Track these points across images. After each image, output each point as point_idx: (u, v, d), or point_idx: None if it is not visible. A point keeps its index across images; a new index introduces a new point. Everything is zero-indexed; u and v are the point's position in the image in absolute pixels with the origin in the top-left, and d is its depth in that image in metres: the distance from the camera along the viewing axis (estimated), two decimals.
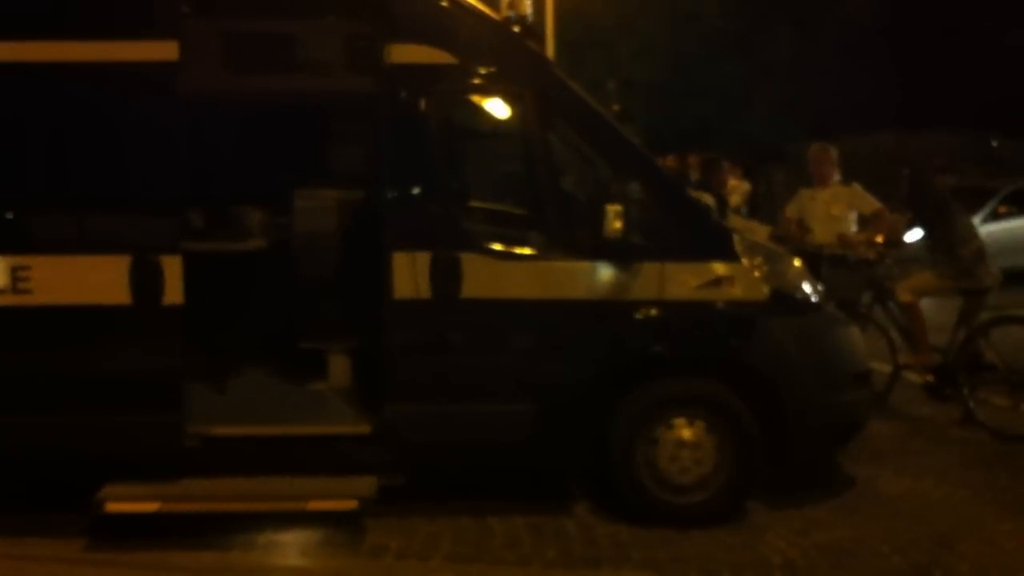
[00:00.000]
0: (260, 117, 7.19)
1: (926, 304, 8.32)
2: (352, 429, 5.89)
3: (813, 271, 6.75)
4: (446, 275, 5.58)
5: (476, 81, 5.82)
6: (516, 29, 6.04)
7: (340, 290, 6.82)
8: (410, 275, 5.58)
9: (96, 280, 5.51)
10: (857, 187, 8.69)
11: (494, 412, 5.68)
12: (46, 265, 5.51)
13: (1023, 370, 7.67)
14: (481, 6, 6.01)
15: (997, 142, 24.76)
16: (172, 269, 5.53)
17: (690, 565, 5.27)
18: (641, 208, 5.54)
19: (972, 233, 8.30)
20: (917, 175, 8.23)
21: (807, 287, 6.13)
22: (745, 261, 5.82)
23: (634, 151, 6.03)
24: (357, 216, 6.84)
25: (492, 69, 5.79)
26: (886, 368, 8.26)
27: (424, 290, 5.59)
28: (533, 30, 6.51)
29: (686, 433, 5.75)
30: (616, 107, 19.90)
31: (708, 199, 8.25)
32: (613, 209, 5.46)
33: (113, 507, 5.41)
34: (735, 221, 9.55)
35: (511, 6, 6.16)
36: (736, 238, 5.97)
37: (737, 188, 14.61)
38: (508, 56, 5.89)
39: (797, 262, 6.29)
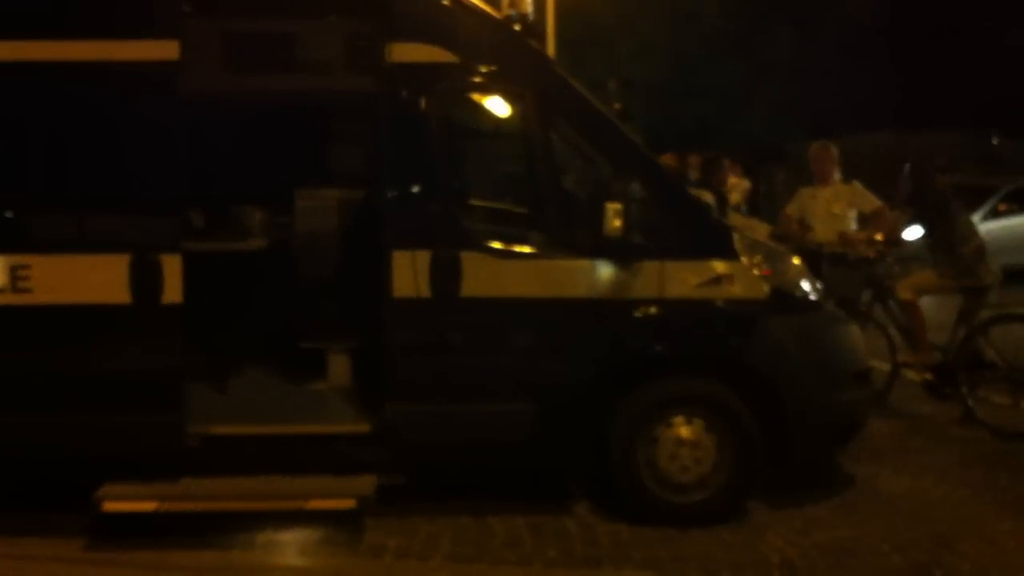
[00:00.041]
0: (260, 116, 7.20)
1: (926, 302, 8.32)
2: (352, 429, 5.90)
3: (813, 269, 6.75)
4: (446, 274, 5.58)
5: (477, 80, 5.82)
6: (517, 28, 6.04)
7: (340, 290, 6.82)
8: (410, 274, 5.58)
9: (96, 279, 5.51)
10: (858, 185, 8.70)
11: (494, 411, 5.68)
12: (46, 264, 5.51)
13: (1023, 368, 7.67)
14: (482, 5, 6.01)
15: (997, 140, 24.75)
16: (172, 268, 5.53)
17: (690, 564, 5.27)
18: (641, 207, 5.54)
19: (972, 231, 8.30)
20: (918, 173, 8.23)
21: (807, 285, 6.13)
22: (745, 259, 5.82)
23: (635, 150, 6.03)
24: (357, 216, 6.85)
25: (493, 68, 5.79)
26: (886, 367, 8.26)
27: (424, 289, 5.59)
28: (534, 29, 6.50)
29: (686, 432, 5.74)
30: (617, 106, 19.90)
31: (708, 197, 8.25)
32: (613, 208, 5.46)
33: (111, 506, 5.41)
34: (735, 219, 9.54)
35: (512, 5, 6.16)
36: (736, 236, 5.97)
37: (737, 186, 14.60)
38: (509, 55, 5.89)
39: (797, 260, 6.29)
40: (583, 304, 5.67)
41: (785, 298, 5.93)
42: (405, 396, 5.66)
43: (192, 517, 5.47)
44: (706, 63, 27.29)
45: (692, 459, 5.74)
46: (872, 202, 8.54)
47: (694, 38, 27.24)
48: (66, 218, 5.57)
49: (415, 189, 5.74)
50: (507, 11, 6.17)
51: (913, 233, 8.65)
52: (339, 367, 6.68)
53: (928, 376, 8.15)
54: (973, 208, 13.55)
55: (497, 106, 6.03)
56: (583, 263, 5.69)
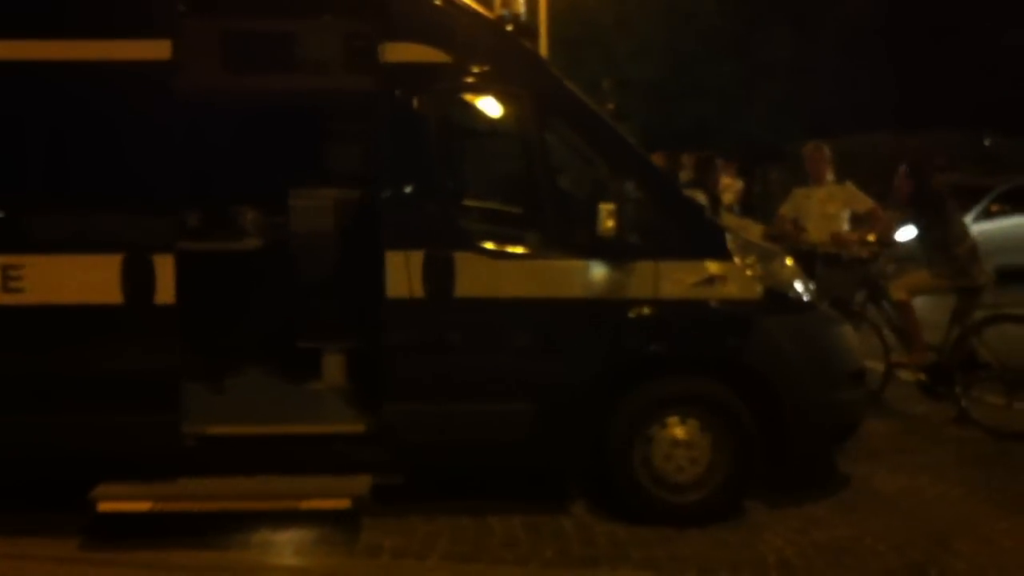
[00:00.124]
0: (257, 116, 7.19)
1: (920, 302, 8.33)
2: (349, 428, 5.89)
3: (807, 270, 6.77)
4: (440, 274, 5.59)
5: (472, 80, 5.84)
6: (510, 28, 6.05)
7: (337, 290, 6.82)
8: (404, 274, 5.59)
9: (91, 279, 5.50)
10: (851, 186, 8.72)
11: (491, 412, 5.69)
12: (39, 264, 5.51)
13: (1017, 368, 7.68)
14: (475, 5, 6.01)
15: (990, 141, 24.75)
16: (166, 268, 5.53)
17: (688, 564, 5.28)
18: (636, 207, 5.54)
19: (966, 232, 8.32)
20: (918, 173, 8.23)
21: (800, 286, 6.15)
22: (738, 260, 5.84)
23: (629, 150, 6.04)
24: (354, 215, 6.85)
25: (488, 68, 5.81)
26: (880, 367, 8.27)
27: (418, 289, 5.59)
28: (527, 29, 6.51)
29: (683, 432, 5.75)
30: (611, 106, 19.92)
31: (701, 197, 8.26)
32: (607, 208, 5.47)
33: (106, 506, 5.42)
34: (728, 219, 9.56)
35: (505, 5, 6.17)
36: (729, 237, 5.98)
37: (730, 186, 14.63)
38: (503, 55, 5.90)
39: (790, 261, 6.30)
40: (578, 304, 5.68)
41: (779, 298, 5.95)
42: (402, 396, 5.67)
43: (190, 517, 5.48)
44: (704, 62, 27.28)
45: (689, 459, 5.75)
46: (866, 202, 8.55)
47: (691, 37, 27.23)
48: (60, 218, 5.57)
49: (410, 189, 5.74)
50: (500, 11, 6.18)
51: (906, 233, 8.66)
52: (336, 367, 6.69)
53: (922, 376, 8.16)
54: (966, 208, 13.58)
55: (492, 106, 6.05)
56: (578, 263, 5.69)
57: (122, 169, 5.63)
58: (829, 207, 8.53)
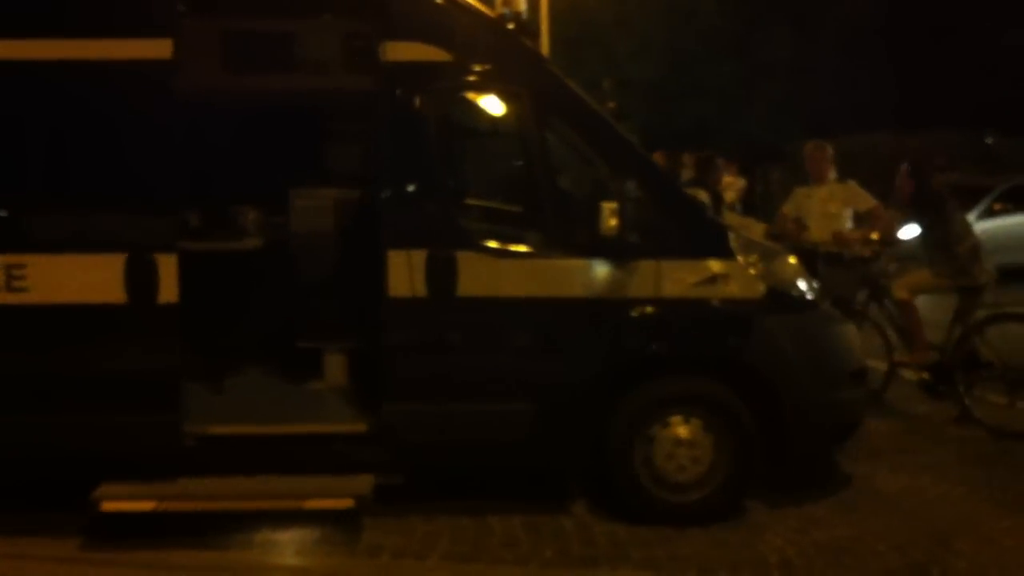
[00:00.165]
0: (257, 116, 7.18)
1: (922, 301, 8.33)
2: (350, 428, 5.89)
3: (809, 269, 6.76)
4: (442, 273, 5.58)
5: (473, 79, 5.83)
6: (511, 27, 6.04)
7: (338, 289, 6.81)
8: (406, 274, 5.58)
9: (93, 279, 5.50)
10: (853, 184, 8.71)
11: (491, 411, 5.68)
12: (42, 264, 5.50)
13: (1019, 367, 7.67)
14: (476, 4, 6.01)
15: (992, 140, 24.77)
16: (168, 268, 5.52)
17: (688, 564, 5.27)
18: (637, 206, 5.53)
19: (967, 230, 8.31)
20: (919, 172, 8.23)
21: (803, 285, 6.14)
22: (741, 259, 5.83)
23: (630, 149, 6.04)
24: (355, 215, 6.84)
25: (488, 67, 5.80)
26: (882, 366, 8.26)
27: (420, 289, 5.59)
28: (528, 28, 6.51)
29: (683, 431, 5.75)
30: (612, 105, 19.91)
31: (703, 196, 8.25)
32: (609, 207, 5.46)
33: (109, 506, 5.41)
34: (730, 218, 9.57)
35: (506, 3, 6.17)
36: (732, 235, 5.98)
37: (732, 185, 14.62)
38: (504, 54, 5.90)
39: (793, 260, 6.30)
40: (579, 304, 5.67)
41: (781, 297, 5.94)
42: (402, 396, 5.66)
43: (190, 517, 5.47)
44: (704, 62, 27.28)
45: (689, 458, 5.75)
46: (868, 201, 8.54)
47: (692, 37, 27.24)
48: (62, 217, 5.56)
49: (411, 188, 5.74)
50: (501, 10, 6.17)
51: (909, 232, 8.66)
52: (336, 367, 6.68)
53: (924, 375, 8.15)
54: (968, 207, 13.57)
55: (493, 105, 6.04)
56: (579, 263, 5.69)
57: (124, 169, 5.62)
58: (831, 206, 8.52)
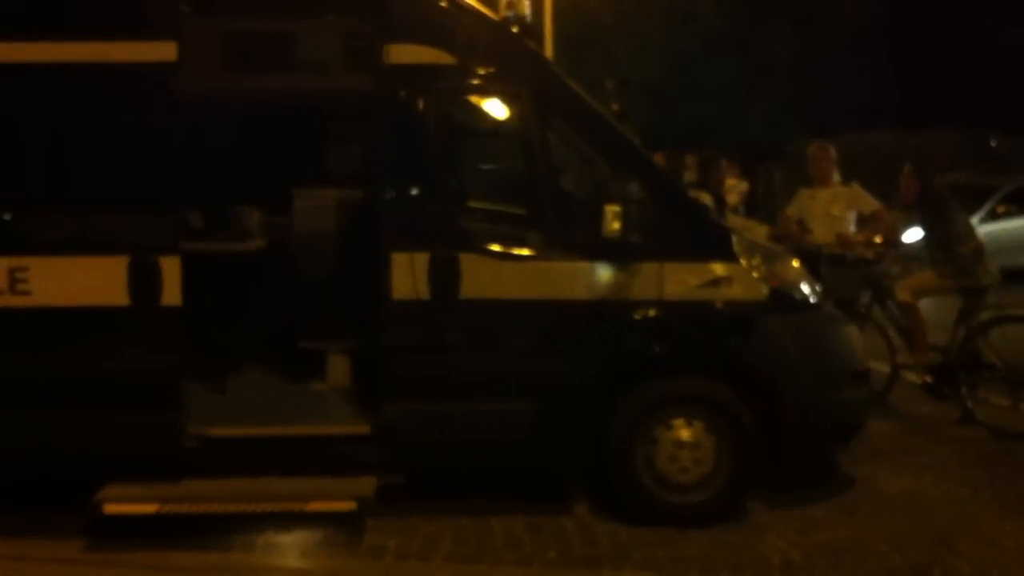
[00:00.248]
0: (259, 117, 7.18)
1: (925, 303, 8.32)
2: (351, 429, 5.88)
3: (812, 270, 6.75)
4: (445, 275, 5.57)
5: (474, 81, 5.82)
6: (515, 29, 6.04)
7: (339, 290, 6.80)
8: (408, 275, 5.58)
9: (96, 281, 5.50)
10: (857, 187, 8.70)
11: (493, 412, 5.67)
12: (44, 266, 5.50)
13: (1022, 368, 7.67)
14: (479, 6, 6.01)
15: (996, 141, 24.77)
16: (170, 269, 5.52)
17: (690, 565, 5.27)
18: (640, 208, 5.52)
19: (971, 232, 8.31)
20: (922, 172, 8.22)
21: (805, 286, 6.13)
22: (744, 261, 5.82)
23: (633, 150, 6.03)
24: (356, 216, 6.84)
25: (490, 69, 5.79)
26: (885, 368, 8.26)
27: (423, 290, 5.58)
28: (531, 30, 6.51)
29: (685, 433, 5.74)
30: (615, 106, 19.91)
31: (706, 198, 8.25)
32: (612, 209, 5.45)
33: (112, 508, 5.41)
34: (733, 220, 9.55)
35: (510, 6, 6.16)
36: (735, 238, 5.97)
37: (735, 187, 14.62)
38: (506, 56, 5.89)
39: (795, 261, 6.30)
40: (582, 306, 5.66)
41: (784, 299, 5.93)
42: (404, 397, 5.65)
43: (192, 518, 5.47)
44: (704, 62, 27.31)
45: (691, 459, 5.74)
46: (871, 203, 8.54)
47: (692, 37, 27.25)
48: (64, 219, 5.56)
49: (413, 190, 5.73)
50: (505, 12, 6.17)
51: (913, 234, 8.65)
52: (338, 368, 6.67)
53: (927, 377, 8.15)
54: (972, 208, 13.56)
55: (495, 107, 6.03)
56: (582, 264, 5.68)
57: (127, 171, 5.62)
58: (833, 208, 8.52)
